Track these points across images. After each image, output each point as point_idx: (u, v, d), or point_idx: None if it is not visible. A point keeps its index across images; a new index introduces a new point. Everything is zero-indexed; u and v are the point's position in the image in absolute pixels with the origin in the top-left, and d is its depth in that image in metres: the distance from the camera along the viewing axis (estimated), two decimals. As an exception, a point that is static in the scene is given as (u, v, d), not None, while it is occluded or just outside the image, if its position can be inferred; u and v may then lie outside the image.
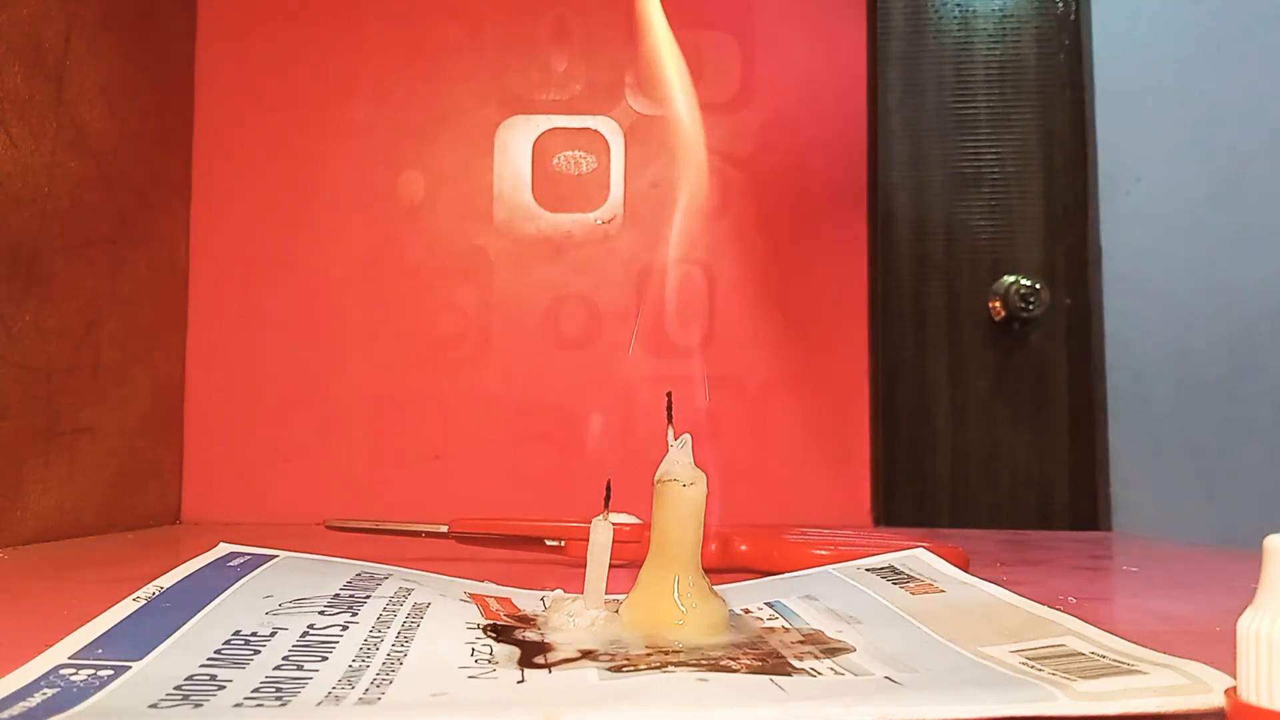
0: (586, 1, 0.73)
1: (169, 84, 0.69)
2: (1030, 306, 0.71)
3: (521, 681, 0.23)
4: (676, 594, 0.28)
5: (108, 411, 0.60)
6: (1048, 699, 0.21)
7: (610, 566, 0.29)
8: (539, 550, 0.46)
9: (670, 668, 0.24)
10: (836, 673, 0.24)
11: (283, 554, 0.33)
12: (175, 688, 0.21)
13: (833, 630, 0.29)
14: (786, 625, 0.29)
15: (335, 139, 0.71)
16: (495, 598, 0.32)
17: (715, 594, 0.29)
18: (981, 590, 0.31)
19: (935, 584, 0.33)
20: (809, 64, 0.72)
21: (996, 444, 0.73)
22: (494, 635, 0.27)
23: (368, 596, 0.29)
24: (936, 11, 0.75)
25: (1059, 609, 0.28)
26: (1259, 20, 0.76)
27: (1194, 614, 0.35)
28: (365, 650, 0.25)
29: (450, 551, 0.47)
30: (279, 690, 0.22)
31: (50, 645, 0.23)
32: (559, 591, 0.32)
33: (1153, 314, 0.75)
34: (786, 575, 0.37)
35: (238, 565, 0.31)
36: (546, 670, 0.24)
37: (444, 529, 0.48)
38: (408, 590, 0.30)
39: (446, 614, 0.29)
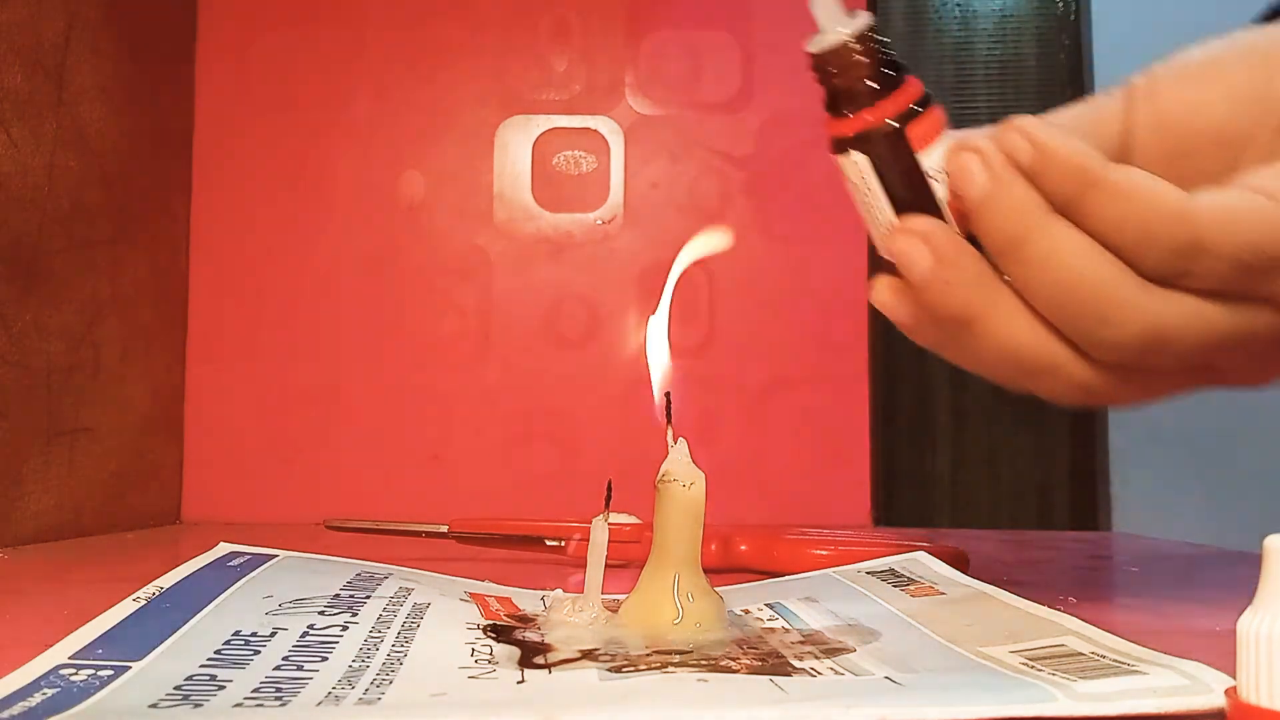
0: (586, 1, 0.73)
1: (169, 84, 0.69)
2: (1030, 306, 0.71)
3: (521, 682, 0.23)
4: (676, 594, 0.28)
5: (108, 411, 0.60)
6: (1048, 699, 0.21)
7: (608, 566, 0.29)
8: (539, 550, 0.46)
9: (670, 668, 0.24)
10: (836, 673, 0.24)
11: (283, 554, 0.33)
12: (175, 688, 0.21)
13: (833, 631, 0.29)
14: (787, 626, 0.29)
15: (335, 139, 0.71)
16: (495, 598, 0.32)
17: (714, 592, 0.29)
18: (981, 592, 0.31)
19: (935, 586, 0.33)
20: (809, 64, 0.71)
21: (996, 444, 0.73)
22: (494, 635, 0.27)
23: (368, 597, 0.29)
24: (936, 11, 0.75)
25: (1059, 609, 0.28)
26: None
27: (1194, 614, 0.35)
28: (365, 650, 0.25)
29: (450, 551, 0.47)
30: (279, 690, 0.22)
31: (50, 645, 0.23)
32: (559, 591, 0.32)
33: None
34: (787, 578, 0.37)
35: (238, 565, 0.31)
36: (546, 670, 0.24)
37: (444, 529, 0.48)
38: (408, 590, 0.30)
39: (446, 614, 0.29)
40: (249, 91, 0.71)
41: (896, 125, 0.29)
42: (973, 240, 0.30)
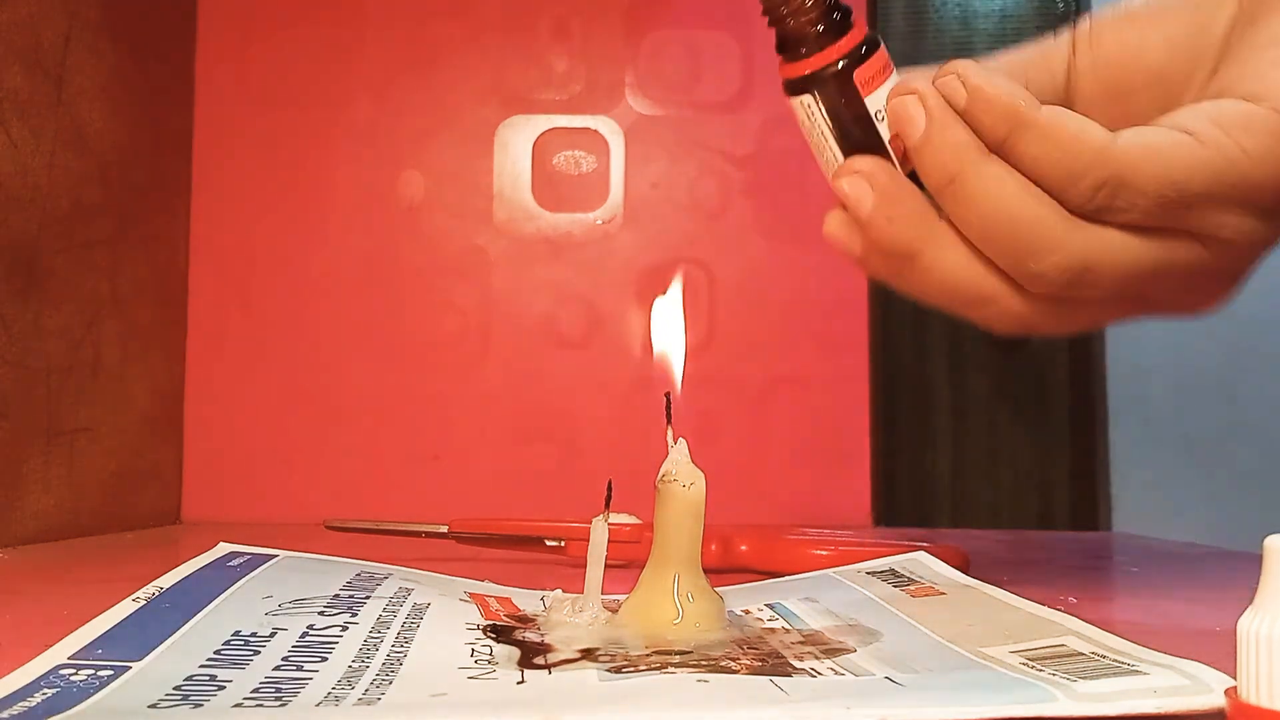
0: (586, 1, 0.73)
1: (169, 84, 0.69)
2: (1030, 306, 0.71)
3: (521, 682, 0.23)
4: (676, 594, 0.28)
5: (108, 411, 0.60)
6: (1048, 699, 0.21)
7: (608, 566, 0.29)
8: (539, 550, 0.46)
9: (670, 668, 0.24)
10: (837, 673, 0.24)
11: (283, 554, 0.33)
12: (175, 688, 0.21)
13: (833, 631, 0.29)
14: (787, 626, 0.29)
15: (335, 139, 0.71)
16: (495, 598, 0.32)
17: (714, 592, 0.29)
18: (982, 591, 0.31)
19: (936, 586, 0.33)
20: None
21: (996, 444, 0.73)
22: (494, 635, 0.27)
23: (367, 597, 0.29)
24: (936, 11, 0.75)
25: (1059, 609, 0.28)
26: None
27: (1194, 614, 0.35)
28: (365, 651, 0.25)
29: (450, 551, 0.47)
30: (279, 691, 0.22)
31: (50, 645, 0.23)
32: (559, 591, 0.32)
33: (1153, 314, 0.75)
34: (787, 578, 0.37)
35: (238, 565, 0.31)
36: (546, 671, 0.24)
37: (444, 529, 0.48)
38: (407, 590, 0.30)
39: (446, 614, 0.29)
40: (249, 91, 0.71)
41: (843, 66, 0.31)
42: (915, 178, 0.31)
